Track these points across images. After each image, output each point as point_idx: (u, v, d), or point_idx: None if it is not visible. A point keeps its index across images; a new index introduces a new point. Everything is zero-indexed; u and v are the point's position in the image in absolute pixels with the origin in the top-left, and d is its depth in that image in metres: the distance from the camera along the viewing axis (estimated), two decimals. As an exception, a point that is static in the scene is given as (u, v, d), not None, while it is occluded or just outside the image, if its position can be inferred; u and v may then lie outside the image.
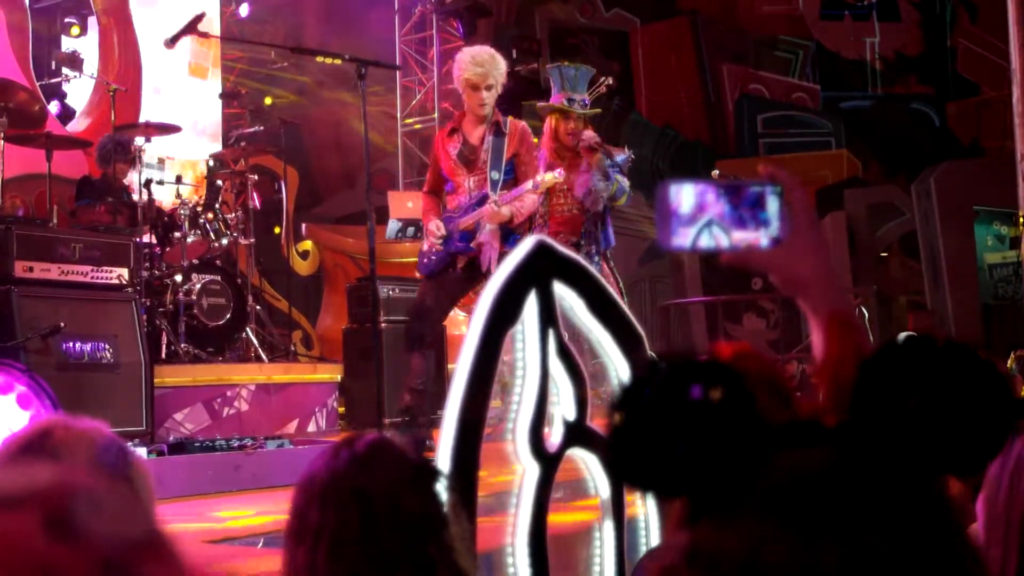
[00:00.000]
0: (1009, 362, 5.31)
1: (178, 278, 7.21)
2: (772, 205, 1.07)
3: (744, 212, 1.07)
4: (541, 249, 2.27)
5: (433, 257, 5.78)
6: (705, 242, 1.07)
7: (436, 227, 5.72)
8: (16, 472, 0.70)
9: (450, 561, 1.48)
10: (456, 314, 9.08)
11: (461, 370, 2.11)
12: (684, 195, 1.07)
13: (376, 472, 1.49)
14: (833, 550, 0.68)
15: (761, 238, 1.07)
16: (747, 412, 0.74)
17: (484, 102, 5.69)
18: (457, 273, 5.76)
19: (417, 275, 6.21)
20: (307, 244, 11.43)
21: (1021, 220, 8.29)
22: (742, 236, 1.07)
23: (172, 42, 5.61)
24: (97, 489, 0.70)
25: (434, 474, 1.57)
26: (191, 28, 5.48)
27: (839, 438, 0.74)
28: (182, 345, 7.00)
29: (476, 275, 5.69)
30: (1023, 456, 1.53)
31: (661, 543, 1.76)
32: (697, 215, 1.07)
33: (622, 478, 0.74)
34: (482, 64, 5.68)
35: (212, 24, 9.59)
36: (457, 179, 5.79)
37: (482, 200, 5.67)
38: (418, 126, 12.11)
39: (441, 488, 1.54)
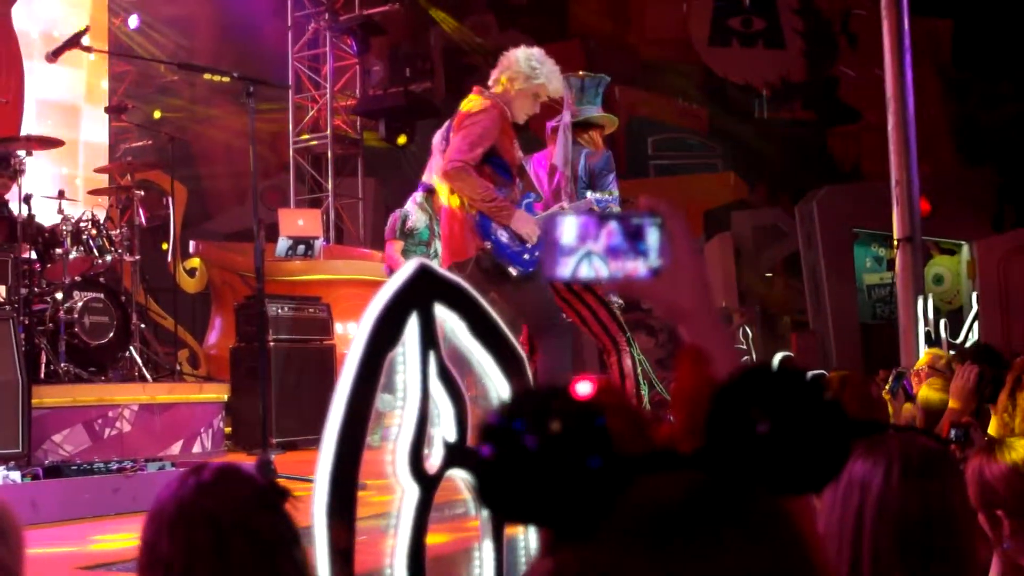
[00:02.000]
0: (890, 379, 5.50)
1: (59, 295, 7.03)
2: (651, 236, 1.12)
3: (624, 243, 1.12)
4: (422, 272, 2.30)
5: (536, 252, 5.08)
6: (585, 272, 1.11)
7: (529, 219, 5.11)
8: None
9: None
10: (347, 333, 9.04)
11: (341, 392, 2.12)
12: (566, 226, 1.11)
13: (223, 496, 1.50)
14: (687, 572, 0.72)
15: (639, 268, 1.11)
16: (603, 443, 0.77)
17: (529, 116, 5.33)
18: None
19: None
20: (195, 261, 11.24)
21: (896, 243, 8.60)
22: (620, 266, 1.12)
23: (55, 55, 5.49)
24: None
25: (282, 494, 1.59)
26: (74, 42, 5.37)
27: (693, 464, 0.78)
28: (62, 364, 6.82)
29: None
30: (853, 476, 1.62)
31: (526, 570, 1.80)
32: (578, 246, 1.11)
33: (487, 507, 0.77)
34: (563, 85, 5.40)
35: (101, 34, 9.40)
36: (514, 175, 5.22)
37: (534, 201, 5.33)
38: (306, 145, 12.02)
39: (289, 508, 1.57)
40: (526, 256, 5.13)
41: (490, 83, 5.34)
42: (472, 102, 5.22)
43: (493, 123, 5.04)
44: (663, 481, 0.76)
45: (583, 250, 1.12)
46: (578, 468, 0.76)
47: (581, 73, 6.10)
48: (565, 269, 1.12)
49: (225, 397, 7.66)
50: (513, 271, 5.11)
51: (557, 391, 0.80)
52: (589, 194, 5.65)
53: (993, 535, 2.22)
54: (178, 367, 8.79)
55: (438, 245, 7.87)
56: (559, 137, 5.84)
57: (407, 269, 2.29)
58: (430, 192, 7.69)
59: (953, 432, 3.28)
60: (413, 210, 7.76)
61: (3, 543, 1.45)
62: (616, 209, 5.66)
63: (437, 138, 5.44)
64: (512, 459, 0.77)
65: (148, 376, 7.44)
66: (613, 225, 1.12)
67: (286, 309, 7.82)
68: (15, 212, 6.93)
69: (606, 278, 1.12)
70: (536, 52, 5.32)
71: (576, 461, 0.76)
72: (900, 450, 1.64)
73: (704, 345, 1.10)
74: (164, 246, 10.80)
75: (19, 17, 10.02)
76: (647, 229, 1.12)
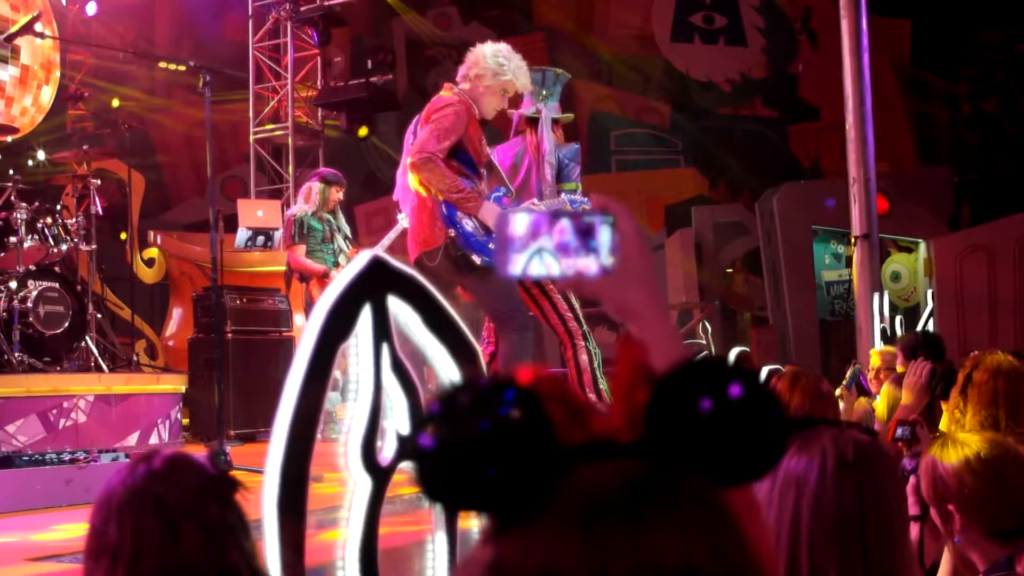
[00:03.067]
0: (847, 373, 5.57)
1: (13, 284, 6.95)
2: (603, 235, 1.12)
3: (575, 241, 1.12)
4: (376, 264, 2.29)
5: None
6: (536, 269, 1.11)
7: (498, 208, 5.13)
8: None
9: (253, 568, 1.50)
10: (306, 324, 8.99)
11: (292, 383, 2.11)
12: (518, 223, 1.11)
13: (174, 484, 1.50)
14: (623, 559, 0.73)
15: (591, 266, 1.12)
16: (543, 431, 0.78)
17: (496, 112, 5.36)
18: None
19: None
20: (153, 251, 11.15)
21: (853, 240, 8.68)
22: (571, 263, 1.12)
23: (7, 40, 5.41)
24: None
25: (233, 484, 1.59)
26: (28, 28, 5.30)
27: (632, 453, 0.79)
28: (16, 354, 6.75)
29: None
30: (788, 472, 1.64)
31: (465, 558, 1.79)
32: (529, 242, 1.11)
33: (427, 497, 0.77)
34: (529, 79, 5.40)
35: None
36: (480, 170, 5.25)
37: (505, 195, 5.34)
38: (266, 135, 11.94)
39: (240, 498, 1.56)
40: (491, 246, 5.13)
41: (458, 79, 5.34)
42: (441, 97, 5.23)
43: (459, 118, 5.08)
44: (600, 469, 0.77)
45: (534, 247, 1.12)
46: (516, 456, 0.76)
47: (557, 70, 6.13)
48: (516, 266, 1.12)
49: (183, 388, 7.61)
50: (477, 260, 5.15)
51: (497, 379, 0.80)
52: (564, 195, 5.68)
53: (944, 529, 2.26)
54: (135, 358, 8.72)
55: (340, 241, 7.83)
56: (541, 130, 5.87)
57: (360, 260, 2.28)
58: (327, 182, 7.67)
59: (900, 430, 3.32)
60: (304, 206, 7.69)
61: None
62: (588, 207, 5.70)
63: (407, 134, 5.46)
64: (450, 446, 0.77)
65: (104, 367, 7.38)
66: (564, 222, 1.12)
67: (245, 300, 7.78)
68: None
69: (557, 275, 1.12)
70: (503, 48, 5.35)
71: (515, 448, 0.76)
72: (833, 444, 1.66)
73: (653, 341, 1.11)
74: (123, 236, 10.71)
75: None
76: (598, 227, 1.13)
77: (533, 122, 5.95)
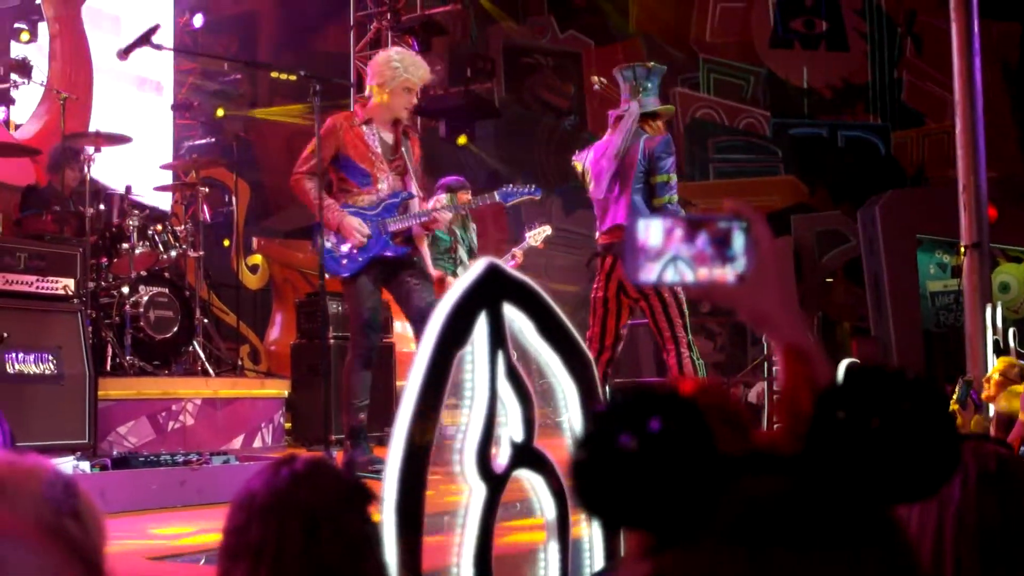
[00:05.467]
0: (957, 388, 5.41)
1: (125, 290, 7.15)
2: (738, 241, 1.10)
3: (710, 248, 1.10)
4: (491, 271, 2.30)
5: (360, 259, 5.47)
6: (670, 277, 1.09)
7: (360, 224, 5.46)
8: None
9: None
10: (406, 330, 9.07)
11: (410, 390, 2.13)
12: (651, 230, 1.10)
13: (317, 490, 1.51)
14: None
15: (727, 274, 1.10)
16: (705, 444, 0.76)
17: (411, 105, 5.68)
18: (375, 277, 5.54)
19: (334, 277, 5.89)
20: (257, 258, 11.37)
21: (963, 249, 8.45)
22: (707, 272, 1.10)
23: (125, 53, 5.57)
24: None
25: (368, 496, 1.60)
26: (145, 40, 5.45)
27: (796, 467, 0.77)
28: (128, 358, 6.93)
29: (392, 283, 5.58)
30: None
31: (613, 572, 1.79)
32: (663, 250, 1.09)
33: (586, 512, 0.75)
34: (427, 70, 5.69)
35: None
36: (376, 173, 5.54)
37: (407, 199, 5.55)
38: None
39: (374, 510, 1.58)
40: (344, 261, 5.50)
41: (366, 94, 5.77)
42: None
43: (323, 136, 5.48)
44: (764, 484, 0.75)
45: (668, 255, 1.10)
46: (679, 469, 0.74)
47: (648, 64, 6.08)
48: (650, 274, 1.10)
49: (285, 393, 7.74)
50: (327, 275, 5.56)
51: (657, 390, 0.79)
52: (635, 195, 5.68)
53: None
54: (240, 362, 8.90)
55: (462, 253, 7.86)
56: (622, 126, 5.85)
57: (476, 268, 2.29)
58: (452, 191, 7.70)
59: None
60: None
61: (82, 529, 1.47)
62: (680, 213, 5.66)
63: None
64: (611, 460, 0.76)
65: (211, 371, 7.54)
66: (698, 229, 1.10)
67: (346, 307, 7.87)
68: (83, 208, 7.06)
69: (692, 283, 1.10)
70: (393, 51, 5.82)
71: (675, 461, 0.74)
72: (974, 458, 1.60)
73: (789, 350, 1.09)
74: (226, 243, 10.93)
75: (89, 16, 10.20)
76: (734, 233, 1.10)
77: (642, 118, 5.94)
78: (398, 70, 5.54)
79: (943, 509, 1.56)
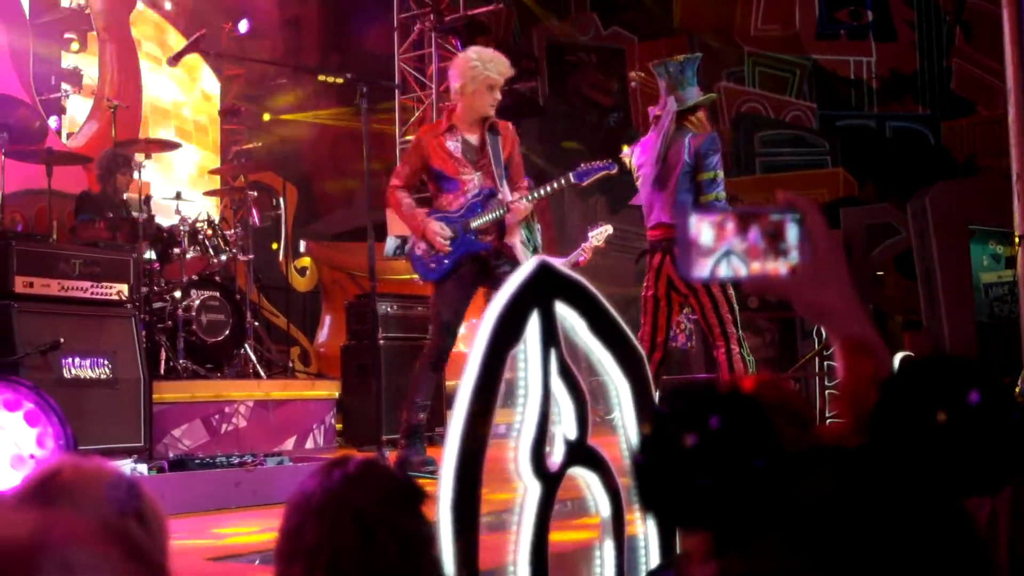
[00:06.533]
0: (1020, 380, 5.29)
1: (177, 294, 7.24)
2: (791, 233, 1.08)
3: (763, 241, 1.09)
4: (543, 270, 2.30)
5: (446, 261, 5.55)
6: (724, 271, 1.08)
7: (441, 228, 5.54)
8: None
9: None
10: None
11: (464, 390, 2.13)
12: (704, 225, 1.08)
13: (370, 491, 1.52)
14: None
15: (780, 267, 1.08)
16: (768, 441, 0.74)
17: (496, 101, 5.67)
18: (466, 277, 5.59)
19: (420, 282, 5.96)
20: (305, 260, 11.45)
21: (1017, 239, 8.31)
22: (760, 265, 1.09)
23: (175, 60, 5.64)
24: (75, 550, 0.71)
25: (421, 494, 1.61)
26: (194, 46, 5.52)
27: (860, 461, 0.75)
28: (180, 361, 7.02)
29: (486, 278, 5.60)
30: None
31: (671, 570, 1.77)
32: (717, 244, 1.08)
33: (652, 513, 0.74)
34: (507, 65, 5.67)
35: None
36: (462, 177, 5.62)
37: (489, 196, 5.59)
38: (416, 143, 12.13)
39: (427, 509, 1.58)
40: (433, 265, 5.59)
41: (451, 96, 5.81)
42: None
43: (410, 151, 5.85)
44: (831, 482, 0.73)
45: (722, 249, 1.08)
46: (743, 468, 0.73)
47: (678, 57, 6.01)
48: (703, 269, 1.09)
49: (336, 394, 7.79)
50: (420, 280, 5.73)
51: (716, 387, 0.78)
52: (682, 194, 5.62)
53: None
54: (290, 364, 8.97)
55: (520, 254, 7.82)
56: (661, 125, 5.81)
57: (528, 267, 2.29)
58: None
59: None
60: None
61: (146, 530, 1.49)
62: (725, 206, 5.58)
63: None
64: (673, 460, 0.74)
65: (262, 373, 7.61)
66: (751, 223, 1.09)
67: (395, 307, 7.91)
68: (135, 213, 7.16)
69: (746, 277, 1.09)
70: (471, 51, 5.78)
71: (741, 461, 0.73)
72: None
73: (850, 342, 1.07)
74: (275, 246, 11.02)
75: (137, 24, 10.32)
76: (787, 225, 1.09)
77: (682, 113, 5.89)
78: (477, 68, 5.57)
79: (997, 499, 1.54)
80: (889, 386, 0.76)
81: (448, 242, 5.52)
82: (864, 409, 0.77)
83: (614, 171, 5.78)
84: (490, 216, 5.57)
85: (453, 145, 5.64)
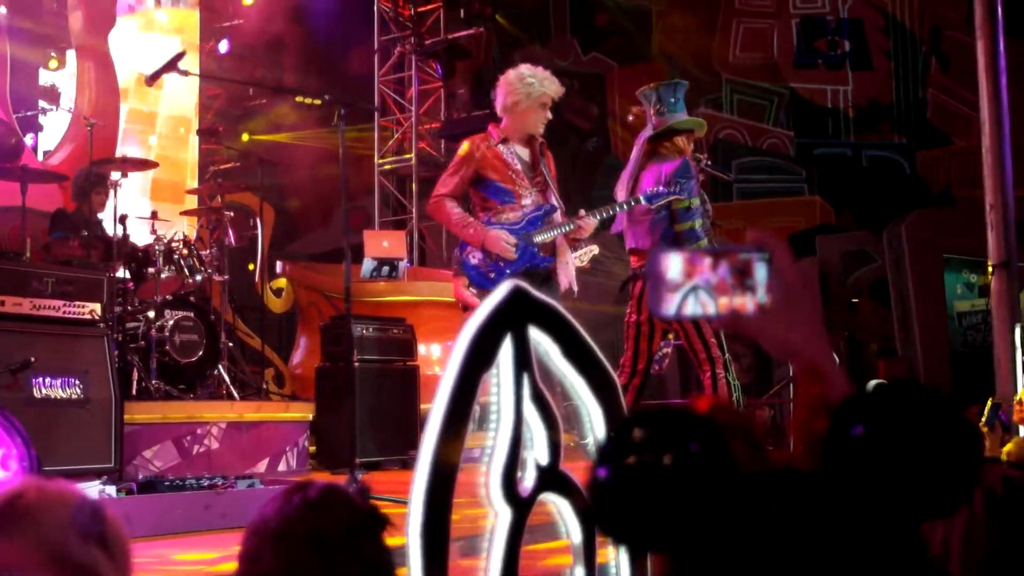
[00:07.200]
0: (986, 409, 5.34)
1: (151, 314, 7.18)
2: (759, 272, 1.09)
3: (731, 278, 1.10)
4: (516, 294, 2.29)
5: (508, 271, 5.44)
6: (691, 308, 1.09)
7: (505, 235, 5.44)
8: None
9: None
10: (430, 354, 9.06)
11: (436, 413, 2.12)
12: (672, 261, 1.10)
13: (329, 515, 1.50)
14: None
15: (747, 304, 1.09)
16: (724, 464, 0.75)
17: (547, 120, 5.62)
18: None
19: (470, 291, 5.76)
20: (281, 282, 11.40)
21: (991, 268, 8.37)
22: (728, 302, 1.10)
23: (152, 79, 5.62)
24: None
25: (382, 521, 1.59)
26: (171, 66, 5.50)
27: (813, 484, 0.75)
28: (153, 381, 6.96)
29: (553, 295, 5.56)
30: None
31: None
32: (684, 281, 1.09)
33: (607, 535, 0.74)
34: (559, 85, 5.62)
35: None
36: (519, 189, 5.55)
37: (549, 211, 5.55)
38: (390, 167, 12.14)
39: (388, 535, 1.57)
40: (492, 275, 5.44)
41: (499, 112, 5.66)
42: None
43: (461, 160, 5.58)
44: (786, 505, 0.73)
45: (689, 285, 1.09)
46: (699, 489, 0.73)
47: (654, 84, 6.05)
48: (670, 305, 1.10)
49: (310, 416, 7.74)
50: (475, 290, 5.55)
51: (674, 410, 0.78)
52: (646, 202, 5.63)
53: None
54: (264, 386, 8.92)
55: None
56: (632, 154, 5.88)
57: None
58: None
59: None
60: None
61: (108, 554, 1.46)
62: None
63: None
64: (630, 481, 0.74)
65: (236, 394, 7.56)
66: (720, 260, 1.10)
67: (371, 330, 7.88)
68: (109, 232, 7.11)
69: (713, 314, 1.10)
70: (524, 68, 5.63)
71: (697, 481, 0.73)
72: (982, 481, 1.57)
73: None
74: (251, 266, 10.98)
75: (116, 43, 10.30)
76: (755, 264, 1.10)
77: (655, 139, 5.93)
78: (533, 86, 5.52)
79: (948, 532, 1.54)
80: (840, 411, 0.76)
81: (513, 248, 5.45)
82: (813, 434, 0.77)
83: (684, 197, 5.75)
84: (555, 232, 5.52)
85: (510, 157, 5.58)
